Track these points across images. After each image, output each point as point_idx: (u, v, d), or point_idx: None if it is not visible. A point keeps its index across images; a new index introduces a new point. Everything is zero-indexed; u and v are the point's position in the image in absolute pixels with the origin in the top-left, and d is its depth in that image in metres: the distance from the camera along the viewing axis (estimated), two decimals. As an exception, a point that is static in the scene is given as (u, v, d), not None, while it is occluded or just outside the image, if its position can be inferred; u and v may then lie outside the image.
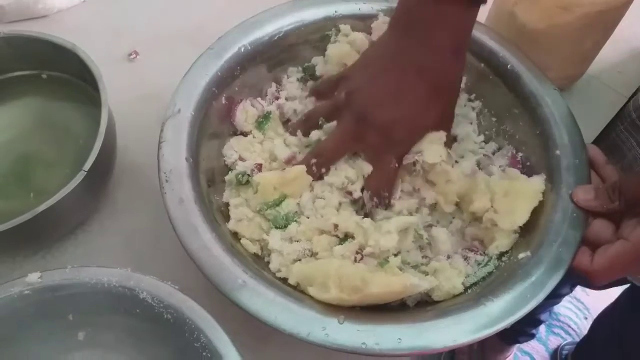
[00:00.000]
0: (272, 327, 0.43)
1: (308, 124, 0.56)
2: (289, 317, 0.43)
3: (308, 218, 0.52)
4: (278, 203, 0.52)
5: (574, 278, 0.47)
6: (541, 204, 0.51)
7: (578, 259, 0.47)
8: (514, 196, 0.51)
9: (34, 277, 0.43)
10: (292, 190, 0.53)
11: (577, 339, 1.39)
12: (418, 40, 0.50)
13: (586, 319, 1.45)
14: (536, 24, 0.60)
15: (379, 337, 0.42)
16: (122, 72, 0.68)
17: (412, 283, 0.45)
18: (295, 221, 0.52)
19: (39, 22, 0.71)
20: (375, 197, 0.53)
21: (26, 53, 0.58)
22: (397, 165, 0.53)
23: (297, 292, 0.47)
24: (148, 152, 0.61)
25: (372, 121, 0.51)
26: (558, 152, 0.52)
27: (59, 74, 0.60)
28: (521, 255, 0.48)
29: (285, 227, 0.51)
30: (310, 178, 0.53)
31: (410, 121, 0.52)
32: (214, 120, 0.55)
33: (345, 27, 0.60)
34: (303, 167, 0.53)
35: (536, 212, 0.51)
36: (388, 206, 0.53)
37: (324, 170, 0.53)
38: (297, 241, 0.51)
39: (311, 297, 0.46)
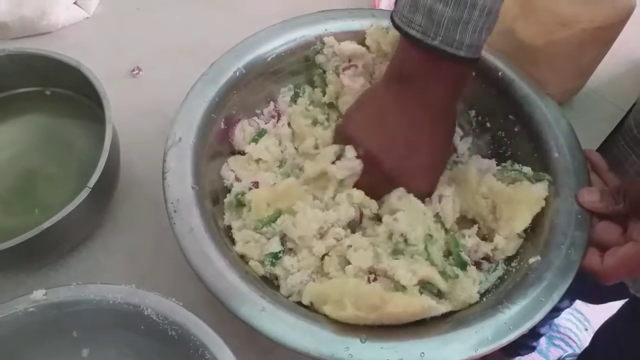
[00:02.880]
0: (296, 351, 0.43)
1: None
2: (311, 339, 0.43)
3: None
4: (273, 219, 0.51)
5: (581, 284, 0.48)
6: (544, 207, 0.52)
7: (588, 259, 0.48)
8: (516, 203, 0.52)
9: (38, 294, 0.43)
10: (285, 204, 0.52)
11: (578, 351, 1.39)
12: (416, 91, 0.51)
13: (586, 330, 1.44)
14: (535, 39, 0.61)
15: (402, 353, 0.43)
16: (125, 88, 0.68)
17: (430, 305, 0.46)
18: (289, 250, 0.51)
19: (42, 38, 0.72)
20: None
21: (30, 70, 0.59)
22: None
23: (311, 312, 0.47)
24: (151, 167, 0.62)
25: (380, 166, 0.53)
26: (556, 155, 0.54)
27: (63, 90, 0.61)
28: (531, 260, 0.49)
29: (273, 264, 0.51)
30: (302, 189, 0.54)
31: (409, 169, 0.53)
32: (214, 143, 0.56)
33: (329, 39, 0.61)
34: (292, 179, 0.54)
35: (540, 215, 0.52)
36: None
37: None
38: (298, 270, 0.50)
39: (326, 317, 0.46)
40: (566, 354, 1.39)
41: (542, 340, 1.41)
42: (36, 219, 0.50)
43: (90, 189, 0.49)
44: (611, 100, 0.72)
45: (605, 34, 0.60)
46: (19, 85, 0.61)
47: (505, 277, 0.51)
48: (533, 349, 1.30)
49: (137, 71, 0.70)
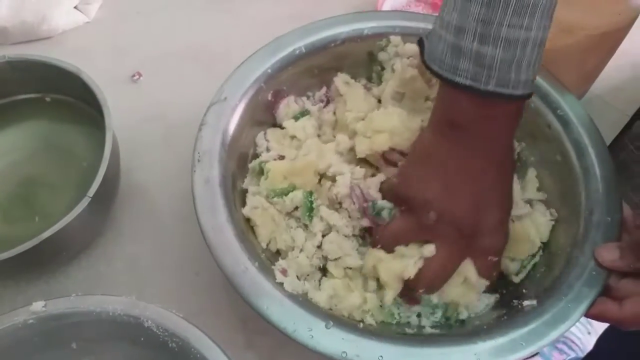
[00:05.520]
0: (261, 316, 0.44)
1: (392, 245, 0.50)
2: (279, 310, 0.44)
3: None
4: (286, 192, 0.53)
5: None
6: (560, 255, 0.50)
7: (602, 308, 0.46)
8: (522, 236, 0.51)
9: (38, 306, 0.43)
10: (300, 180, 0.53)
11: (581, 354, 1.38)
12: (475, 139, 0.46)
13: (589, 333, 1.44)
14: (539, 45, 0.60)
15: (361, 350, 0.43)
16: (125, 93, 0.68)
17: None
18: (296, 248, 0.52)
19: (42, 43, 0.71)
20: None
21: (30, 76, 0.58)
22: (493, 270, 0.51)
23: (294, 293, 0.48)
24: (152, 173, 0.62)
25: (461, 226, 0.47)
26: (591, 206, 0.51)
27: (63, 96, 0.60)
28: (526, 303, 0.47)
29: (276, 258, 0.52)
30: (317, 174, 0.54)
31: (495, 221, 0.48)
32: (257, 110, 0.57)
33: (395, 39, 0.60)
34: (312, 159, 0.54)
35: (553, 263, 0.51)
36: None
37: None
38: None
39: (304, 297, 0.47)
40: (569, 357, 1.39)
41: (545, 344, 1.40)
42: (36, 227, 0.49)
43: (90, 198, 0.49)
44: (615, 105, 0.72)
45: (610, 40, 0.60)
46: (18, 91, 0.60)
47: (505, 313, 0.49)
48: (535, 352, 1.29)
49: (137, 76, 0.69)
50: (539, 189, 0.57)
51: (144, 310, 0.43)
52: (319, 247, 0.52)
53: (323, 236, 0.52)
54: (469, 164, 0.47)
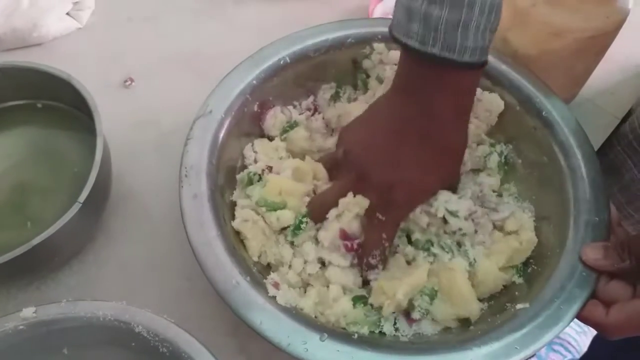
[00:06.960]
0: (255, 331, 0.44)
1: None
2: (273, 324, 0.44)
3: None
4: (275, 208, 0.52)
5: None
6: (551, 256, 0.51)
7: (590, 311, 0.46)
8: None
9: (28, 312, 0.43)
10: (293, 202, 0.53)
11: (577, 356, 1.39)
12: (419, 105, 0.48)
13: (585, 333, 1.44)
14: (528, 49, 0.60)
15: None
16: (117, 99, 0.68)
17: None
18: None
19: (33, 50, 0.71)
20: (366, 260, 0.51)
21: (21, 83, 0.59)
22: (392, 228, 0.52)
23: (286, 306, 0.48)
24: (143, 179, 0.62)
25: (370, 180, 0.50)
26: (579, 207, 0.51)
27: (54, 103, 0.60)
28: (519, 306, 0.47)
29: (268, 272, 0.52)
30: (306, 199, 0.54)
31: (410, 185, 0.50)
32: (244, 122, 0.57)
33: (378, 46, 0.60)
34: (308, 187, 0.54)
35: (543, 264, 0.51)
36: (381, 266, 0.52)
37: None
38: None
39: (297, 310, 0.47)
40: (566, 359, 1.39)
41: (541, 346, 1.40)
42: (28, 233, 0.50)
43: (81, 204, 0.49)
44: (605, 108, 0.72)
45: (598, 43, 0.60)
46: (10, 98, 0.60)
47: (498, 317, 0.49)
48: (530, 356, 1.29)
49: (129, 82, 0.69)
50: (521, 197, 0.58)
51: (134, 316, 0.43)
52: (306, 262, 0.51)
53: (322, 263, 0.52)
54: (400, 124, 0.49)
